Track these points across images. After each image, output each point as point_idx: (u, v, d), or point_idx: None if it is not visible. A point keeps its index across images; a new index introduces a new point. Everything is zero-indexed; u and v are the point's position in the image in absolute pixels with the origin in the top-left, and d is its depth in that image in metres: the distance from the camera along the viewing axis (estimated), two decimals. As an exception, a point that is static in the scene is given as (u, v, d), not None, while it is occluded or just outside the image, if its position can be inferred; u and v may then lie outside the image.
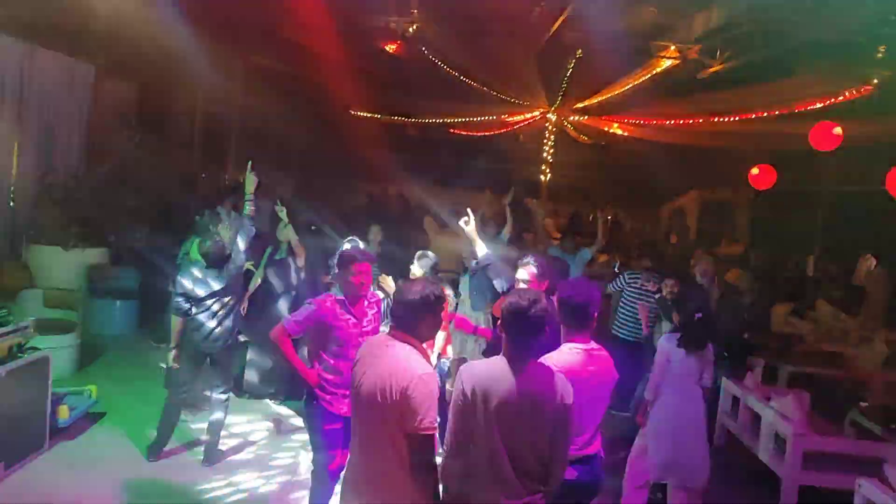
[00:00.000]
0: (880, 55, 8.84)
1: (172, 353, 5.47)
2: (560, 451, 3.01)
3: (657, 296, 6.86)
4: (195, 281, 5.40)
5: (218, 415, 5.64)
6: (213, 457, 5.60)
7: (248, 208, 5.59)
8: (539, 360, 3.17)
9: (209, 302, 5.42)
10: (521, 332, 3.03)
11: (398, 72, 12.12)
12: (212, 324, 5.43)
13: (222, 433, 5.77)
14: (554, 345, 3.52)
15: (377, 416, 3.00)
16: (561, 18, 9.12)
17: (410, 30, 10.57)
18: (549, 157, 13.91)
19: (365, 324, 4.31)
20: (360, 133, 14.74)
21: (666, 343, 5.00)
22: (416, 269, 5.71)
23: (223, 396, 5.64)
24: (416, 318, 3.10)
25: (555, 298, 3.70)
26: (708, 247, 12.66)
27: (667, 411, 4.88)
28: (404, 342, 3.07)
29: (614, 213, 16.58)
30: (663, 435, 4.83)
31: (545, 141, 13.84)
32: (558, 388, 2.99)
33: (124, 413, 6.34)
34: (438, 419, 2.93)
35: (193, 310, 5.41)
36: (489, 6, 9.02)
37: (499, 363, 3.04)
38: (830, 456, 5.75)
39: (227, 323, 5.51)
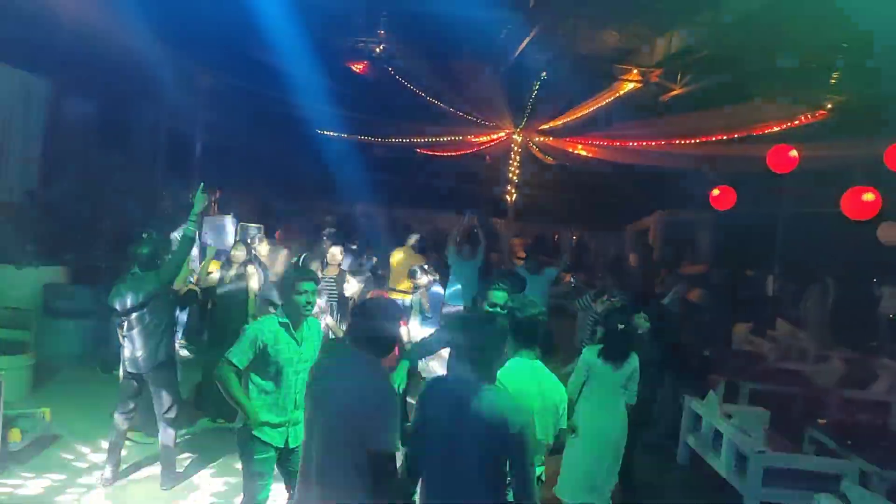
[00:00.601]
0: (834, 81, 9.13)
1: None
2: (525, 472, 2.94)
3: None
4: (119, 296, 5.28)
5: (165, 437, 5.48)
6: (169, 479, 5.47)
7: (192, 228, 5.43)
8: (494, 382, 3.13)
9: (130, 319, 5.27)
10: (478, 354, 3.02)
11: (365, 91, 12.16)
12: (132, 343, 5.29)
13: (183, 454, 5.66)
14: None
15: (339, 434, 2.98)
16: (526, 41, 9.25)
17: (377, 50, 10.65)
18: (515, 178, 14.02)
19: (304, 348, 4.16)
20: (327, 152, 14.73)
21: (587, 355, 4.99)
22: (353, 284, 6.01)
23: (168, 417, 5.47)
24: (375, 335, 3.12)
25: None
26: (671, 267, 12.84)
27: (587, 426, 4.78)
28: (364, 359, 3.08)
29: (579, 234, 16.79)
30: (581, 450, 4.75)
31: (511, 161, 13.96)
32: (515, 409, 2.96)
33: (79, 436, 6.16)
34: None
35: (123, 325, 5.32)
36: (455, 28, 9.11)
37: (458, 384, 3.03)
38: (790, 472, 5.82)
39: (152, 342, 5.32)
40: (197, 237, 6.69)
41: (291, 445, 4.10)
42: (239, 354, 3.98)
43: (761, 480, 5.73)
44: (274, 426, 4.06)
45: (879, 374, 8.41)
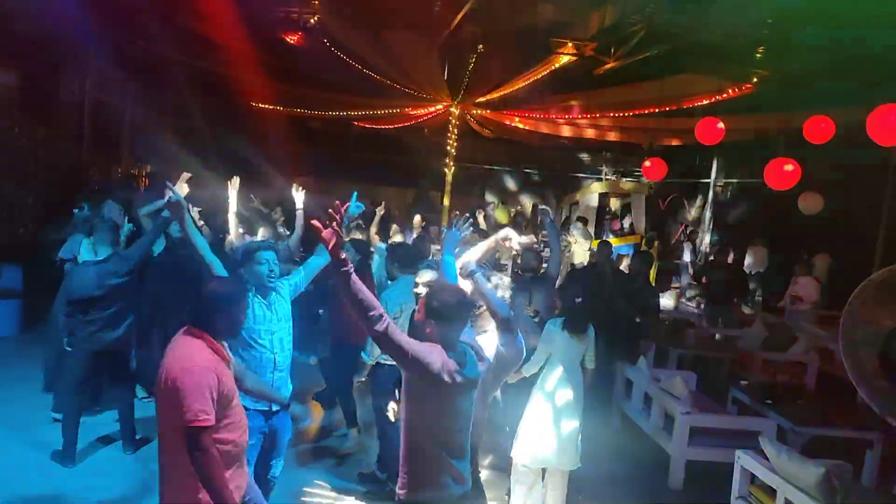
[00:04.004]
0: (759, 56, 9.43)
1: None
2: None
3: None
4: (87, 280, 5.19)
5: (124, 405, 5.60)
6: (131, 444, 5.55)
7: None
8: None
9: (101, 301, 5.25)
10: (455, 324, 3.18)
11: (300, 63, 11.93)
12: (103, 323, 5.28)
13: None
14: None
15: (158, 409, 3.06)
16: (462, 12, 9.23)
17: (312, 21, 10.44)
18: (453, 151, 14.04)
19: (278, 317, 4.19)
20: (263, 125, 14.44)
21: (551, 327, 5.14)
22: None
23: (129, 386, 5.64)
24: (210, 315, 3.13)
25: None
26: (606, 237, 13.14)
27: (549, 395, 4.94)
28: (195, 337, 3.10)
29: (518, 206, 16.98)
30: (543, 419, 4.90)
31: (449, 134, 13.96)
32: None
33: (7, 420, 5.99)
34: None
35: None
36: (391, -1, 9.03)
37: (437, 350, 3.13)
38: (714, 431, 6.10)
39: (126, 320, 5.40)
40: None
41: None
42: None
43: (687, 440, 5.99)
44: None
45: (798, 336, 8.85)
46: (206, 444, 2.89)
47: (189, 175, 4.90)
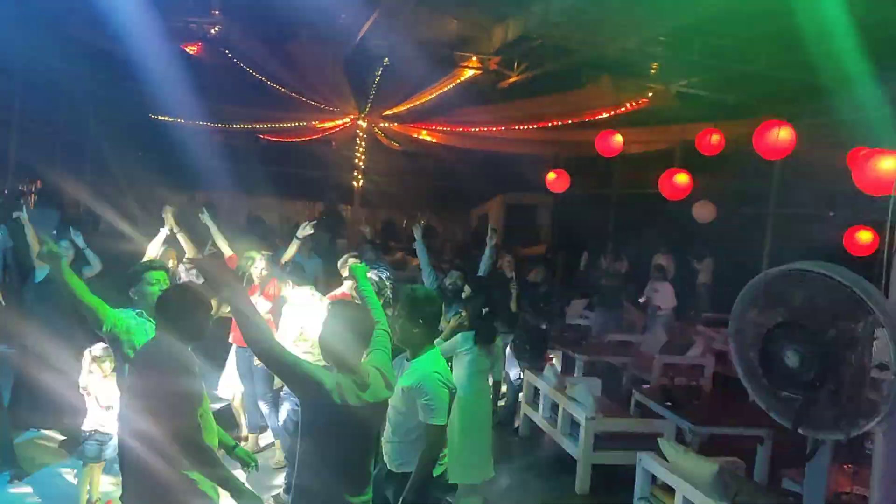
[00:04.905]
0: (653, 71, 9.85)
1: None
2: None
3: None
4: None
5: None
6: None
7: None
8: None
9: None
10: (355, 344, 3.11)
11: (201, 75, 11.60)
12: None
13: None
14: None
15: (132, 418, 3.05)
16: (366, 26, 9.22)
17: (212, 31, 10.20)
18: (361, 164, 13.99)
19: None
20: (162, 138, 13.94)
21: (461, 339, 5.14)
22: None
23: None
24: (174, 322, 3.11)
25: None
26: (512, 248, 13.33)
27: (464, 409, 4.85)
28: (169, 343, 3.09)
29: (427, 219, 17.03)
30: (460, 432, 4.83)
31: (357, 147, 13.91)
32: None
33: None
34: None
35: None
36: (292, 9, 8.89)
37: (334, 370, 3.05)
38: (618, 435, 6.26)
39: None
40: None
41: None
42: None
43: (592, 445, 6.11)
44: None
45: (695, 339, 9.24)
46: (201, 442, 2.95)
47: None
